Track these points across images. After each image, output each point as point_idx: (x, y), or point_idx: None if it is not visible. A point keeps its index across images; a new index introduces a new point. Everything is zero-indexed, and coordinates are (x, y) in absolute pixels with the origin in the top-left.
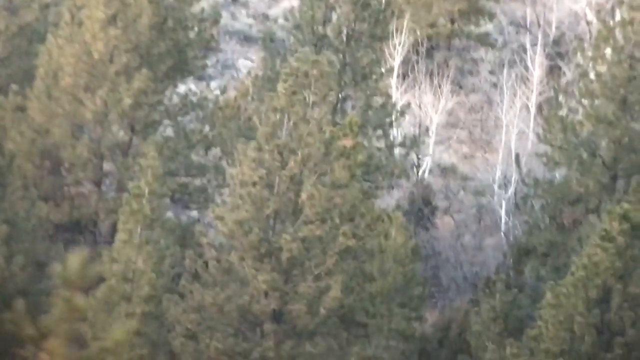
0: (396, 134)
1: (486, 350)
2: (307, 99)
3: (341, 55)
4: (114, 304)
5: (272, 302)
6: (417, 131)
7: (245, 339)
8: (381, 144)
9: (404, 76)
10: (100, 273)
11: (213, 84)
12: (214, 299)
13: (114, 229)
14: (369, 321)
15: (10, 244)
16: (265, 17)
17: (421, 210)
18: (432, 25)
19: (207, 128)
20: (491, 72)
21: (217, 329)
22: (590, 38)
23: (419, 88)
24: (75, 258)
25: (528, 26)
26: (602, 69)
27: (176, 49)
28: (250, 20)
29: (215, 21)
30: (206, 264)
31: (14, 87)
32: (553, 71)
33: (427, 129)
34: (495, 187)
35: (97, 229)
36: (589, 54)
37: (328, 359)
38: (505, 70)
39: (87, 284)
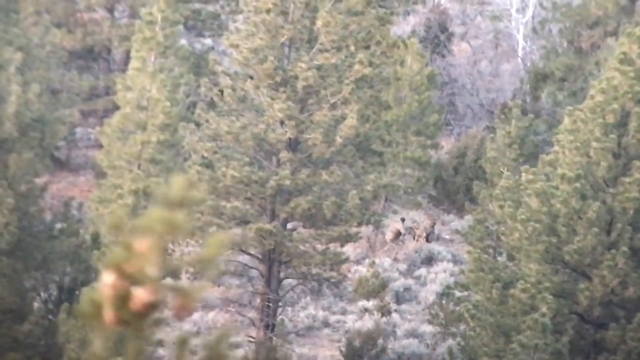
0: None
1: (501, 176)
2: None
3: None
4: (130, 132)
5: (288, 131)
6: None
7: (261, 168)
8: None
9: None
10: (194, 182)
11: None
12: (229, 128)
13: (127, 57)
14: (385, 149)
15: (24, 71)
16: None
17: (437, 36)
18: None
19: None
20: None
21: (233, 158)
22: None
23: None
24: (180, 180)
25: None
26: None
27: None
28: None
29: None
30: (221, 92)
31: None
32: None
33: None
34: (513, 11)
35: (110, 56)
36: None
37: (344, 187)
38: None
39: (190, 205)
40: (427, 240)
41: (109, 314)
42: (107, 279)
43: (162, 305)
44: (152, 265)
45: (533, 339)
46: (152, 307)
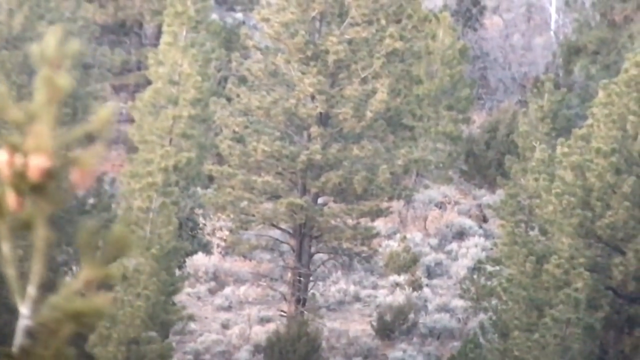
0: None
1: (534, 150)
2: None
3: None
4: (161, 107)
5: (319, 106)
6: None
7: (292, 142)
8: None
9: None
10: (80, 50)
11: None
12: (260, 102)
13: (159, 31)
14: (416, 124)
15: None
16: None
17: (469, 10)
18: None
19: None
20: None
21: (264, 132)
22: None
23: None
24: (51, 35)
25: None
26: None
27: None
28: None
29: None
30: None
31: None
32: None
33: None
34: None
35: (142, 30)
36: None
37: (375, 161)
38: None
39: (68, 61)
40: (484, 220)
41: (10, 197)
42: (2, 158)
43: (61, 176)
44: (46, 138)
45: (566, 314)
46: (50, 175)
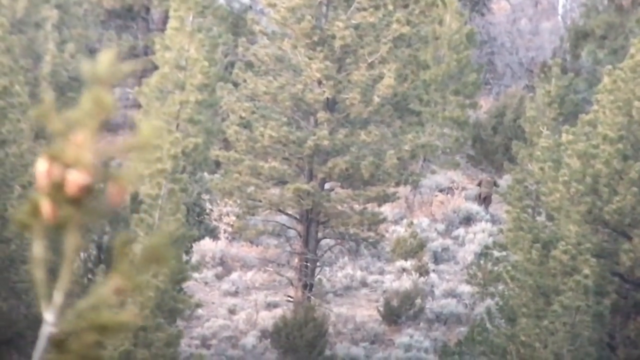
0: None
1: (541, 135)
2: None
3: None
4: (168, 92)
5: (326, 91)
6: None
7: (299, 128)
8: None
9: None
10: (130, 71)
11: None
12: (267, 88)
13: (166, 16)
14: (423, 109)
15: (61, 30)
16: None
17: None
18: None
19: None
20: None
21: (271, 118)
22: None
23: None
24: (106, 55)
25: None
26: None
27: None
28: None
29: None
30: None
31: None
32: None
33: None
34: None
35: (149, 15)
36: None
37: (382, 147)
38: None
39: (117, 82)
40: (485, 203)
41: (45, 206)
42: (42, 167)
43: (97, 192)
44: (87, 152)
45: (575, 301)
46: (87, 190)
